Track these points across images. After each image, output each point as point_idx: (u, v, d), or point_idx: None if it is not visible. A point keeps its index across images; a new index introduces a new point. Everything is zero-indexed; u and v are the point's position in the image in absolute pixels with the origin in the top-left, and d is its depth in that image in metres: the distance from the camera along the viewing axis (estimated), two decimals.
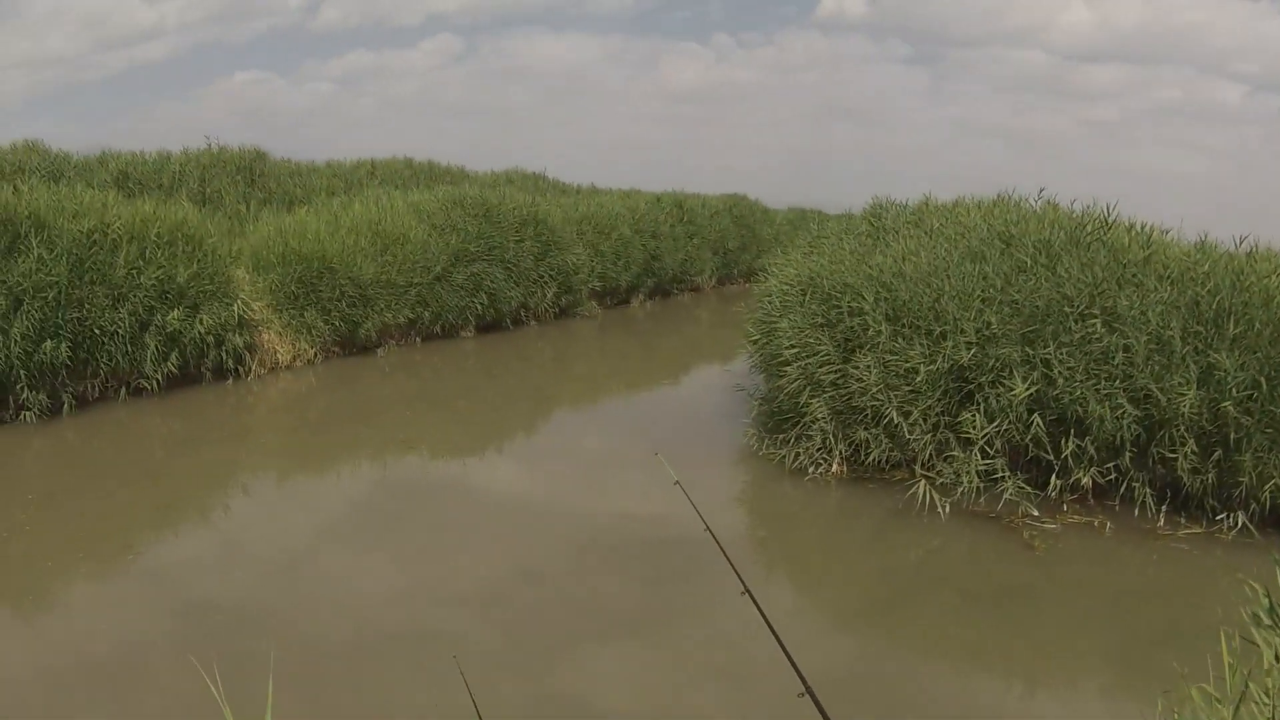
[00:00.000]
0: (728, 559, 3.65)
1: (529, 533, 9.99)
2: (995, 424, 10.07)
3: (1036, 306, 10.47)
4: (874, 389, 10.71)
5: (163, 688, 6.59)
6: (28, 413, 13.15)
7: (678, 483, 4.23)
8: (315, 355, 18.31)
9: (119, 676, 6.82)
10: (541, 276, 24.37)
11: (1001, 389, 10.12)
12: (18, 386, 13.07)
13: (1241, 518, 9.68)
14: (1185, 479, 9.71)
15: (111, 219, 15.01)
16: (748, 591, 3.50)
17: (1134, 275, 10.68)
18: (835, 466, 11.26)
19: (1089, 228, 11.84)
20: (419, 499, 11.34)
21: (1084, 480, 9.94)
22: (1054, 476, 10.07)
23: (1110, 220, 12.08)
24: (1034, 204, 13.78)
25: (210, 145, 25.74)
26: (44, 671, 6.91)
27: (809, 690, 3.00)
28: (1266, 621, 3.97)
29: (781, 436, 11.88)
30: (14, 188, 14.91)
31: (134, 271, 14.74)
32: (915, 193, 16.98)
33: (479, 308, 22.18)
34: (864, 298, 11.20)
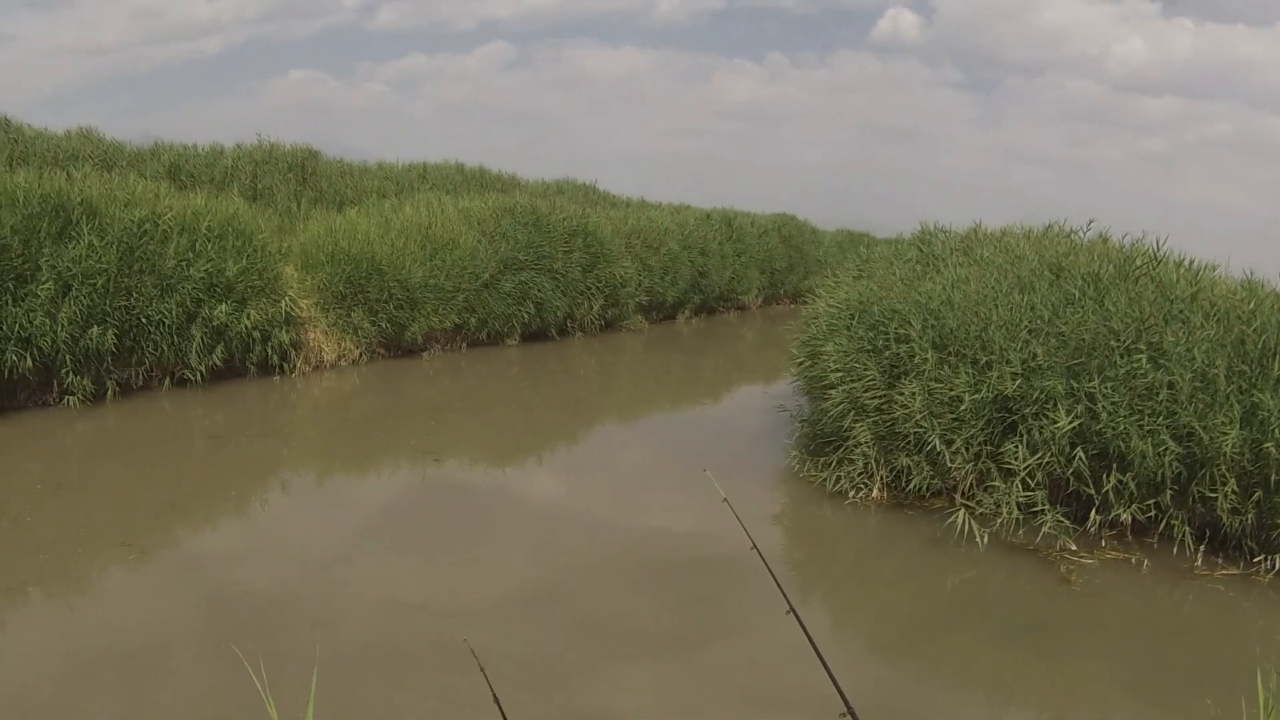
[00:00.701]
0: (774, 578, 3.66)
1: (564, 543, 10.00)
2: (1037, 456, 10.03)
3: (1083, 339, 10.41)
4: (918, 416, 10.67)
5: (188, 677, 6.63)
6: (71, 397, 13.29)
7: (726, 500, 4.24)
8: (360, 355, 18.40)
9: (146, 666, 6.85)
10: (589, 288, 24.40)
11: (1045, 421, 10.07)
12: (63, 371, 13.22)
13: None
14: (1225, 519, 9.58)
15: (163, 210, 15.16)
16: (793, 611, 3.51)
17: (1180, 311, 10.62)
18: (875, 491, 11.22)
19: (1138, 261, 11.79)
20: (457, 504, 11.37)
21: (1124, 516, 9.86)
22: (1094, 511, 9.99)
23: (1159, 255, 12.03)
24: (1083, 236, 13.74)
25: (262, 141, 25.94)
26: (72, 658, 6.96)
27: (850, 711, 3.00)
28: None
29: (823, 459, 11.86)
30: (67, 174, 15.07)
31: (183, 263, 14.86)
32: (964, 218, 16.93)
33: (525, 316, 22.22)
34: (911, 324, 11.18)
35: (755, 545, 3.86)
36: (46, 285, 12.93)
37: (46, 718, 6.18)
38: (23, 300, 12.74)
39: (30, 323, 12.68)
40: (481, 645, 7.53)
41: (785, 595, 3.52)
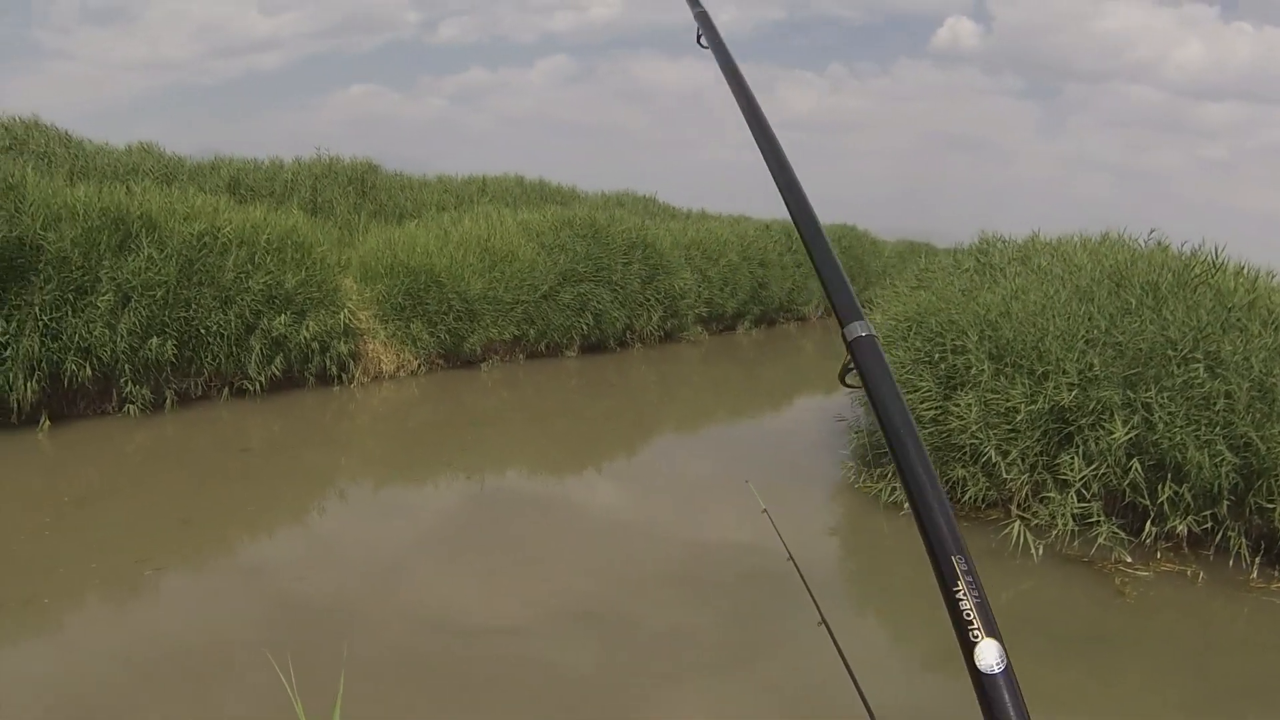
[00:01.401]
0: (807, 588, 3.65)
1: (617, 556, 10.00)
2: (1093, 467, 9.94)
3: (1140, 349, 10.32)
4: (973, 427, 10.62)
5: (243, 682, 6.69)
6: (130, 406, 13.48)
7: (765, 511, 4.24)
8: (419, 366, 18.49)
9: (202, 669, 6.93)
10: (648, 299, 24.40)
11: (1101, 432, 9.99)
12: (121, 380, 13.41)
13: None
14: None
15: (222, 223, 15.36)
16: (824, 622, 3.50)
17: (1238, 319, 10.50)
18: None
19: (1196, 269, 11.67)
20: (509, 514, 11.40)
21: (1179, 528, 9.76)
22: (1149, 523, 9.89)
23: (1218, 262, 11.91)
24: (1143, 244, 13.63)
25: (321, 155, 26.19)
26: (130, 660, 7.05)
27: None
28: None
29: (878, 470, 11.82)
30: (127, 188, 15.26)
31: (242, 275, 15.05)
32: (1025, 226, 16.90)
33: (584, 328, 22.27)
34: (968, 335, 11.12)
35: (791, 557, 3.85)
36: (106, 296, 13.13)
37: (108, 711, 6.28)
38: (82, 311, 12.94)
39: (90, 333, 12.88)
40: (530, 657, 7.57)
41: (818, 607, 3.51)
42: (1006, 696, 1.38)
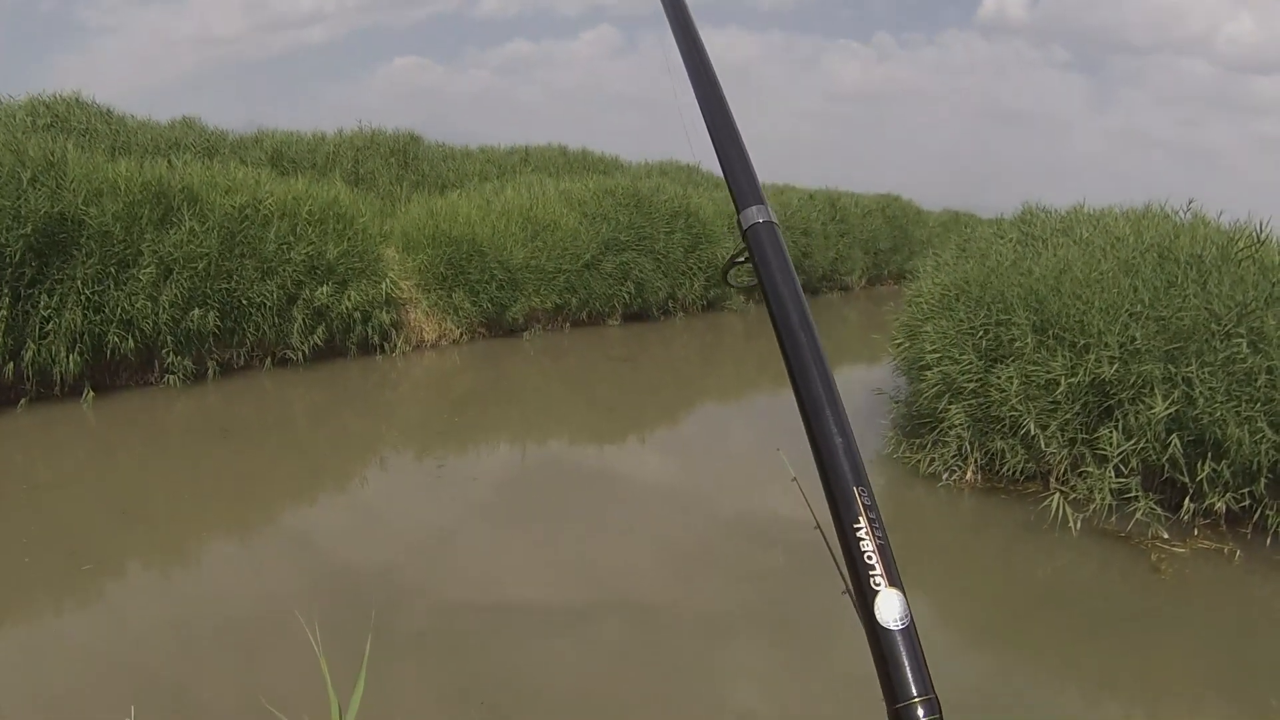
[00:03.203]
0: (834, 558, 3.65)
1: (659, 525, 10.00)
2: (1133, 442, 9.86)
3: (1183, 323, 10.22)
4: (1014, 399, 10.56)
5: (289, 648, 6.73)
6: (172, 376, 13.63)
7: (795, 480, 4.22)
8: (461, 335, 18.58)
9: (248, 635, 6.97)
10: (690, 268, 24.40)
11: (1141, 406, 9.91)
12: (164, 351, 13.55)
13: None
14: None
15: (264, 195, 15.50)
16: (849, 592, 3.49)
17: None
18: (969, 474, 11.11)
19: (1240, 244, 11.53)
20: (549, 482, 11.44)
21: (1217, 505, 9.66)
22: (1187, 500, 9.80)
23: (1262, 237, 11.76)
24: (1183, 216, 13.50)
25: (363, 127, 26.38)
26: (178, 624, 7.11)
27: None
28: None
29: (918, 441, 11.78)
30: (168, 162, 15.37)
31: (284, 247, 15.18)
32: (1071, 200, 16.74)
33: (626, 297, 22.31)
34: (1015, 309, 11.05)
35: (819, 525, 3.83)
36: (148, 269, 13.25)
37: (155, 680, 6.33)
38: (125, 284, 13.07)
39: (132, 305, 13.01)
40: (562, 625, 7.59)
41: (844, 576, 3.49)
42: (905, 657, 1.24)
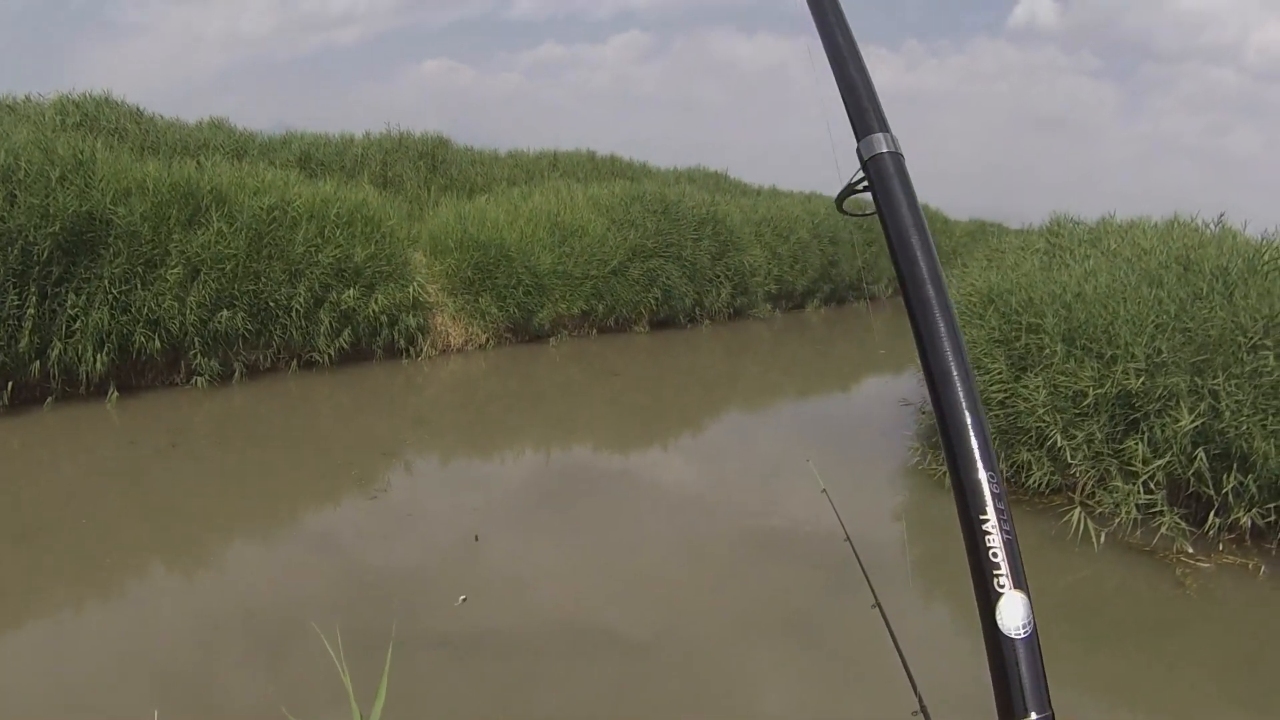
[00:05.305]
0: (863, 570, 3.63)
1: (683, 532, 9.98)
2: (1162, 460, 9.76)
3: (1209, 335, 10.15)
4: (1040, 410, 10.51)
5: (310, 653, 6.73)
6: (199, 378, 13.67)
7: (824, 491, 4.22)
8: (487, 340, 18.61)
9: (270, 633, 6.98)
10: (717, 276, 24.41)
11: (1167, 419, 9.85)
12: (190, 353, 13.59)
13: None
14: None
15: (292, 197, 15.53)
16: (878, 605, 3.48)
17: None
18: None
19: (1267, 255, 11.45)
20: (572, 488, 11.42)
21: (1243, 520, 9.60)
22: (1212, 514, 9.73)
23: None
24: (1212, 228, 13.44)
25: (391, 130, 26.36)
26: (202, 621, 7.12)
27: (923, 709, 2.97)
28: None
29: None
30: (197, 163, 15.42)
31: (312, 249, 15.22)
32: (1099, 209, 16.76)
33: (653, 303, 22.32)
34: (1045, 316, 11.00)
35: (849, 538, 3.82)
36: (175, 270, 13.32)
37: (180, 675, 6.35)
38: (152, 284, 13.12)
39: (159, 306, 13.06)
40: (592, 628, 7.58)
41: (873, 589, 3.49)
42: (1025, 669, 1.14)
